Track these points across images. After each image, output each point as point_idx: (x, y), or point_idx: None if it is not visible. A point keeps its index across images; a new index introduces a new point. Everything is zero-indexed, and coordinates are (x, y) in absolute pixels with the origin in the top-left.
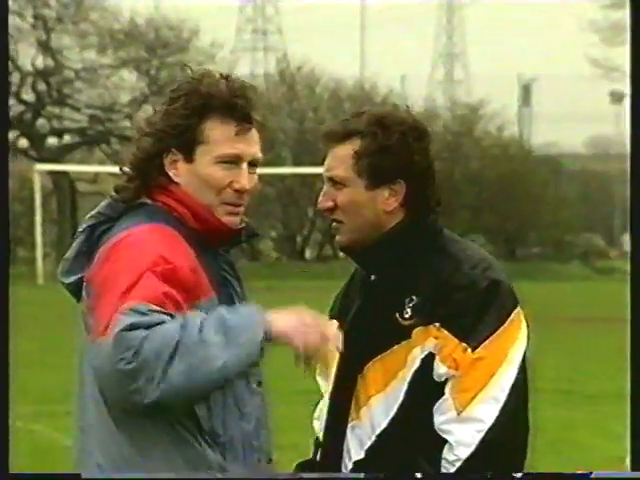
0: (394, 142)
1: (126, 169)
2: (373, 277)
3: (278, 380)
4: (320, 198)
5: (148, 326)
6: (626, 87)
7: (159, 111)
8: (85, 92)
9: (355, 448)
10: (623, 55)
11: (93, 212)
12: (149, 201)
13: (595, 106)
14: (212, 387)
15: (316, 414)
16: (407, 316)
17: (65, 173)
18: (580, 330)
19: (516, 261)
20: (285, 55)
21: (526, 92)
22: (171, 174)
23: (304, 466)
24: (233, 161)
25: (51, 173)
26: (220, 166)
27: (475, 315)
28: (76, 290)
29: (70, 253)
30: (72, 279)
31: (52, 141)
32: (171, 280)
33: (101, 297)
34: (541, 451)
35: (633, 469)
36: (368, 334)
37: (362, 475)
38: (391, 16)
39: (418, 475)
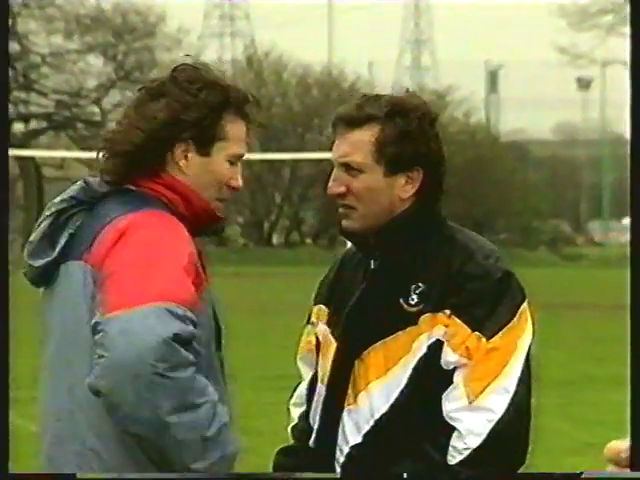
0: (413, 128)
1: (116, 153)
2: (375, 264)
3: (245, 366)
4: (330, 183)
5: (189, 340)
6: (592, 73)
7: (173, 99)
8: (52, 77)
9: (352, 432)
10: (589, 42)
11: (64, 195)
12: (132, 187)
13: (562, 93)
14: (161, 460)
15: (293, 400)
16: (413, 302)
17: (31, 158)
18: (546, 317)
19: None
20: (253, 41)
21: (493, 79)
22: (181, 164)
23: (286, 452)
24: (237, 159)
25: (17, 158)
26: (229, 164)
27: (489, 305)
28: (42, 274)
29: (36, 236)
30: (40, 262)
31: (18, 126)
32: (191, 271)
33: (123, 277)
34: None
35: (633, 469)
36: (369, 320)
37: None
38: (359, 2)
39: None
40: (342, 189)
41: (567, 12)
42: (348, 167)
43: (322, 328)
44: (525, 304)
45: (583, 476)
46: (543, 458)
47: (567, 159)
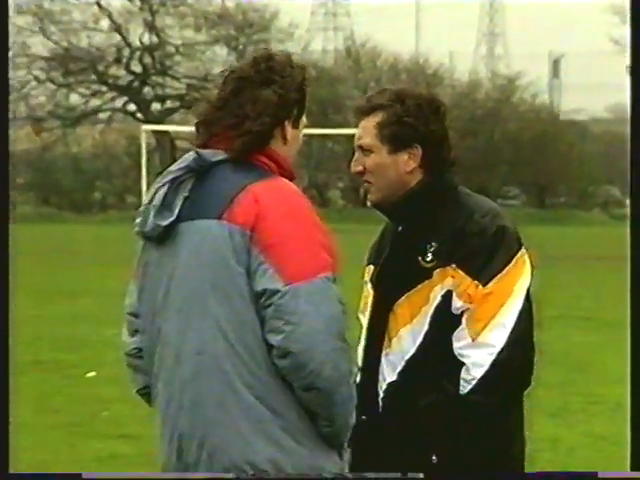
0: (410, 113)
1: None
2: (400, 228)
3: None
4: (352, 164)
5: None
6: None
7: (278, 86)
8: (184, 64)
9: (388, 372)
10: None
11: (181, 164)
12: (228, 157)
13: (614, 78)
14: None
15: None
16: (428, 259)
17: (167, 133)
18: (599, 266)
19: (546, 209)
20: (352, 34)
21: (556, 66)
22: (288, 137)
23: None
24: None
25: (155, 132)
26: None
27: (485, 257)
28: (165, 232)
29: (158, 199)
30: (166, 222)
31: (156, 106)
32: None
33: (293, 249)
34: (568, 369)
35: (633, 469)
36: (397, 276)
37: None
38: (442, 1)
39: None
40: (360, 168)
41: (619, 9)
42: (362, 149)
43: (369, 285)
44: (521, 252)
45: (599, 476)
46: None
47: (618, 134)
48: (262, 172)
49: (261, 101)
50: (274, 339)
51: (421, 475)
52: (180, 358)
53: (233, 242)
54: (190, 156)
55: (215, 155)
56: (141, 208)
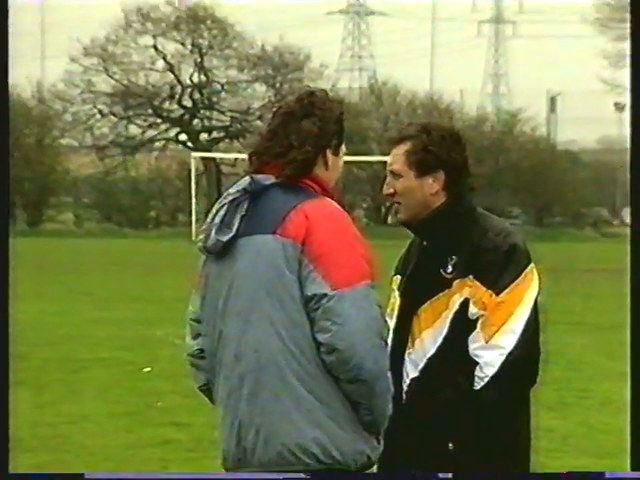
0: (435, 143)
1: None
2: (425, 243)
3: None
4: (384, 187)
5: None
6: (627, 99)
7: (318, 119)
8: (228, 100)
9: (411, 369)
10: (624, 76)
11: (238, 187)
12: (279, 181)
13: (603, 113)
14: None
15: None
16: (449, 271)
17: (213, 159)
18: (590, 278)
19: (543, 227)
20: (374, 74)
21: (553, 103)
22: (329, 164)
23: None
24: None
25: (203, 159)
26: None
27: (498, 270)
28: (224, 246)
29: (219, 218)
30: (226, 237)
31: (204, 136)
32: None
33: (338, 259)
34: (562, 367)
35: (633, 469)
36: (421, 285)
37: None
38: (453, 46)
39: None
40: (391, 190)
41: (609, 54)
42: (393, 173)
43: (396, 292)
44: (530, 267)
45: (606, 476)
46: None
47: (606, 162)
48: (309, 193)
49: (303, 132)
50: (322, 337)
51: (450, 475)
52: (239, 356)
53: (286, 254)
54: (245, 180)
55: (267, 179)
56: (203, 227)
